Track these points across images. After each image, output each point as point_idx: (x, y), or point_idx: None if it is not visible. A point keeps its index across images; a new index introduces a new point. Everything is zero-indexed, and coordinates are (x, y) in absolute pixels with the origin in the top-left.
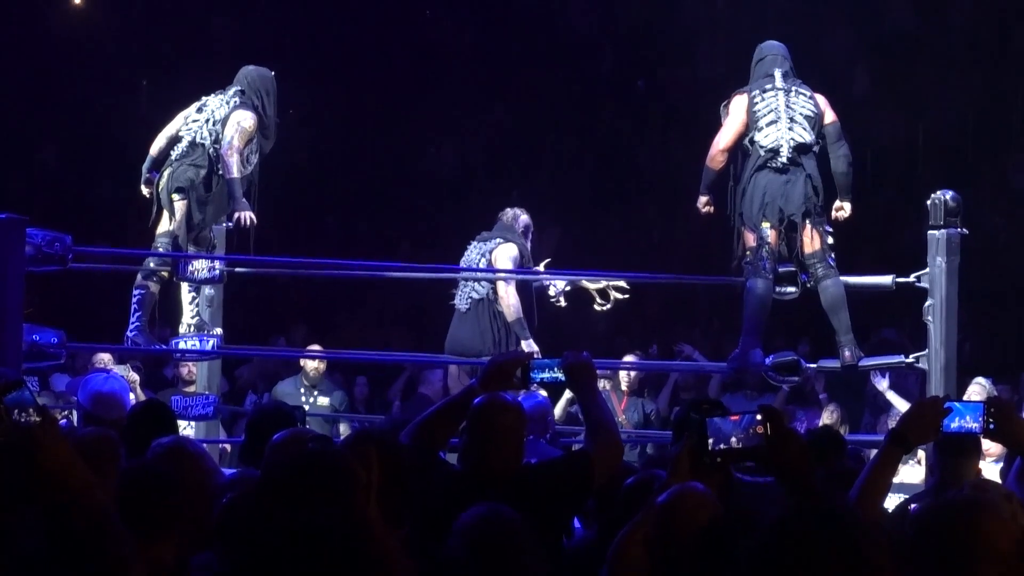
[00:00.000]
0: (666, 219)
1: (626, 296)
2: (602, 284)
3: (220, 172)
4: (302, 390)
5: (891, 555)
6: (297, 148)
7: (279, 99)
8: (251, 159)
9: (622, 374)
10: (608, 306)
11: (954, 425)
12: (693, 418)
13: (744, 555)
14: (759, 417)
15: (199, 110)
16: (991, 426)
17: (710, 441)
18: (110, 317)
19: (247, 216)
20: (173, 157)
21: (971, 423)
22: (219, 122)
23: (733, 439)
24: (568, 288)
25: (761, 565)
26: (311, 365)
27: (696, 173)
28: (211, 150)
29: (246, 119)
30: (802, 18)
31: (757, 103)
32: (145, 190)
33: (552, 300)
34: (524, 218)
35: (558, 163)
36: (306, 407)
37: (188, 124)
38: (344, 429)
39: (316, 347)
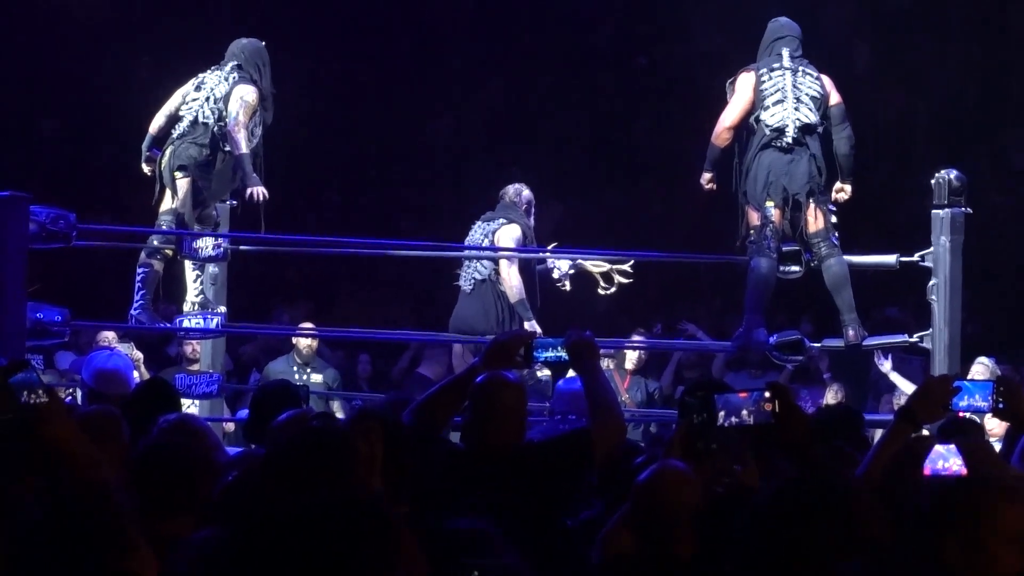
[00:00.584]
0: (667, 196)
1: (630, 280)
2: (606, 267)
3: (226, 149)
4: (295, 368)
5: (887, 525)
6: (296, 123)
7: (273, 69)
8: (256, 132)
9: (630, 354)
10: (612, 289)
11: (963, 404)
12: (688, 402)
13: (741, 522)
14: (767, 394)
15: (197, 88)
16: (1000, 405)
17: (721, 414)
18: (114, 294)
19: (259, 191)
20: (174, 135)
21: (980, 402)
22: (220, 99)
23: (744, 411)
24: (572, 271)
25: (758, 531)
26: (303, 343)
27: (696, 149)
28: (215, 128)
29: (248, 93)
30: None
31: (764, 81)
32: (146, 168)
33: (557, 284)
34: (526, 193)
35: (557, 138)
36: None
37: (187, 103)
38: (337, 407)
39: (308, 325)
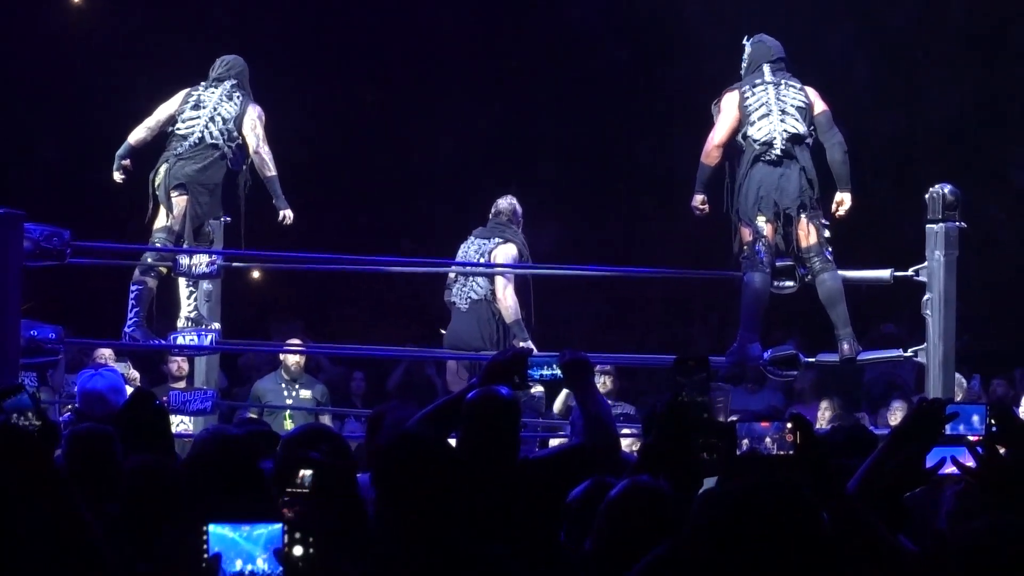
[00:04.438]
0: (665, 213)
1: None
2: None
3: (239, 168)
4: (283, 385)
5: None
6: (296, 142)
7: (273, 89)
8: None
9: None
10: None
11: (956, 428)
12: (678, 380)
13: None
14: (789, 425)
15: (195, 107)
16: (993, 429)
17: (744, 442)
18: (109, 312)
19: (289, 214)
20: (172, 153)
21: (974, 425)
22: (231, 120)
23: (767, 439)
24: None
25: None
26: (291, 359)
27: (695, 168)
28: (226, 148)
29: (260, 113)
30: (802, 13)
31: (748, 98)
32: (117, 176)
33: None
34: (518, 207)
35: (557, 157)
36: (289, 401)
37: (185, 121)
38: (327, 422)
39: (296, 341)
